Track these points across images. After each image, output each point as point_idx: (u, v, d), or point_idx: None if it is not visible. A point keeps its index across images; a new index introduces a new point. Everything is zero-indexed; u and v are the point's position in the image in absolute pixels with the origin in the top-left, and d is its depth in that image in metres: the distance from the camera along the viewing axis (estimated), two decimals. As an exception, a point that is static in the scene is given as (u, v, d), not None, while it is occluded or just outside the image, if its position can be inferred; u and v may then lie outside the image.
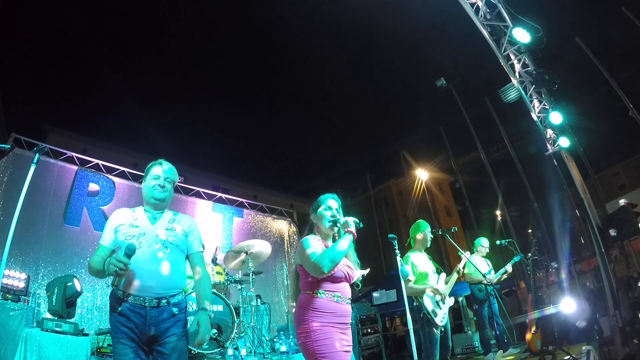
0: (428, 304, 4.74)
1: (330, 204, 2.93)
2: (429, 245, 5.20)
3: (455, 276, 5.10)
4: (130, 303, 2.44)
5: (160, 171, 2.86)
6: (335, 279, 2.63)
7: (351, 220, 2.71)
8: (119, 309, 2.42)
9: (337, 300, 2.60)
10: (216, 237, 10.52)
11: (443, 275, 5.07)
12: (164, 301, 2.51)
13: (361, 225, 2.72)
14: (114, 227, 2.65)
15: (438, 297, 4.83)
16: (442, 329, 4.76)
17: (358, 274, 2.84)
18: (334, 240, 2.83)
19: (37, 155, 3.89)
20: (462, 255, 5.32)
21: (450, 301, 4.95)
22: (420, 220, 5.41)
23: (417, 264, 4.99)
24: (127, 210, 2.78)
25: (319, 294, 2.58)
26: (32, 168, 3.85)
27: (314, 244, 2.68)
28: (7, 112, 19.17)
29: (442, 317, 4.75)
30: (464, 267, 5.39)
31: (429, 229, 5.25)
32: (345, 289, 2.68)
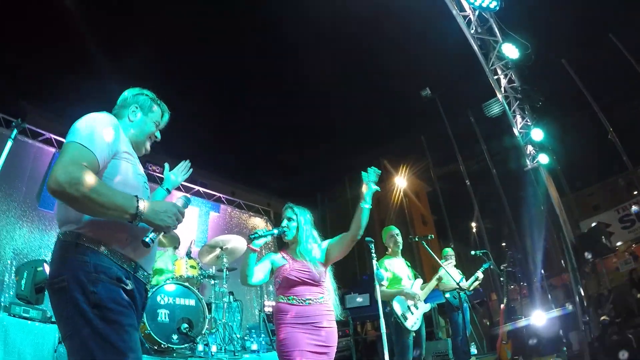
0: (397, 309, 4.78)
1: (285, 215, 3.20)
2: (399, 248, 5.23)
3: (433, 283, 5.14)
4: (137, 278, 1.80)
5: (162, 123, 2.22)
6: (289, 284, 2.89)
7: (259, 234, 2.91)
8: (129, 288, 1.71)
9: (293, 303, 2.83)
10: (191, 231, 10.40)
11: (419, 281, 5.11)
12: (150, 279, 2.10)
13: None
14: (114, 150, 1.82)
15: (410, 302, 4.85)
16: (414, 334, 4.78)
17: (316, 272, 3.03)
18: (293, 250, 3.10)
19: (15, 130, 3.80)
20: (443, 265, 5.41)
21: (424, 307, 4.98)
22: (388, 225, 5.46)
23: (390, 269, 5.04)
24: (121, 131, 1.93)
25: (279, 299, 2.91)
26: (9, 144, 3.75)
27: (266, 259, 3.07)
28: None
29: (413, 322, 4.77)
30: (435, 272, 5.45)
31: (394, 232, 5.27)
32: (303, 291, 2.88)
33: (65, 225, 1.75)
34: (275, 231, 3.05)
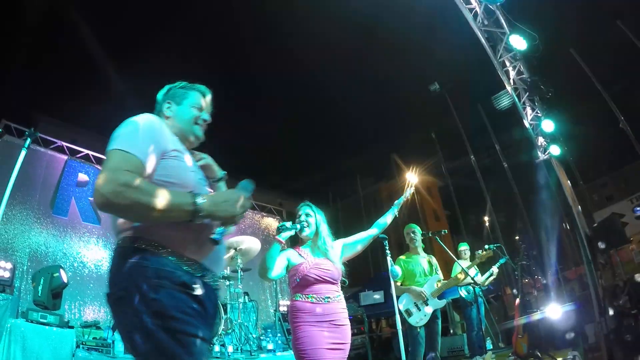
0: (402, 304, 4.81)
1: (302, 211, 3.17)
2: (416, 245, 5.24)
3: (451, 281, 5.13)
4: (205, 283, 1.59)
5: (205, 104, 1.99)
6: (307, 282, 2.87)
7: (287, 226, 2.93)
8: (196, 288, 1.52)
9: (312, 301, 2.82)
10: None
11: (435, 277, 5.09)
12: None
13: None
14: (160, 150, 1.63)
15: (416, 299, 4.85)
16: (424, 330, 4.79)
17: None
18: (310, 247, 3.09)
19: (29, 139, 3.84)
20: (480, 255, 5.44)
21: (437, 303, 4.96)
22: (409, 224, 5.47)
23: (405, 266, 5.07)
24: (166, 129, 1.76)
25: (296, 297, 2.88)
26: (23, 152, 3.80)
27: (282, 255, 2.98)
28: (-3, 98, 18.92)
29: (419, 319, 4.78)
30: (449, 268, 5.45)
31: (410, 230, 5.30)
32: (322, 289, 2.88)
33: (122, 232, 1.57)
34: (298, 226, 3.01)
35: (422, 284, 4.99)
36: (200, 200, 1.49)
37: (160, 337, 1.38)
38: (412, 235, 5.25)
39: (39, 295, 5.26)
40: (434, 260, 5.32)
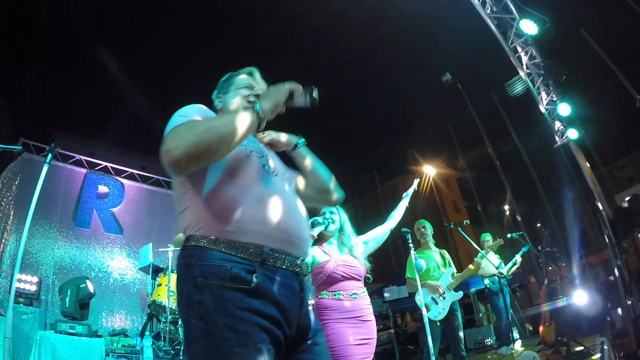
0: (420, 300, 4.80)
1: (323, 209, 3.11)
2: (427, 240, 5.24)
3: (466, 273, 5.10)
4: (276, 268, 1.38)
5: (255, 81, 1.86)
6: (334, 280, 2.87)
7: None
8: (255, 282, 1.30)
9: (339, 298, 2.82)
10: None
11: (449, 270, 5.09)
12: (308, 267, 1.60)
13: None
14: None
15: (433, 293, 4.84)
16: (442, 324, 4.79)
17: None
18: (334, 244, 3.07)
19: (50, 155, 3.91)
20: (480, 256, 5.40)
21: (454, 296, 4.96)
22: (419, 219, 5.48)
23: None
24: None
25: (322, 295, 2.87)
26: (45, 168, 3.87)
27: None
28: (14, 118, 19.36)
29: (437, 313, 4.78)
30: (472, 259, 5.42)
31: (419, 225, 5.31)
32: (348, 286, 2.88)
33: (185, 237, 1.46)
34: (327, 221, 3.00)
35: (437, 278, 4.99)
36: (257, 104, 1.46)
37: (202, 345, 1.25)
38: (423, 230, 5.27)
39: (67, 306, 5.37)
40: (446, 254, 5.33)
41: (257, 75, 1.86)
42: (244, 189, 1.43)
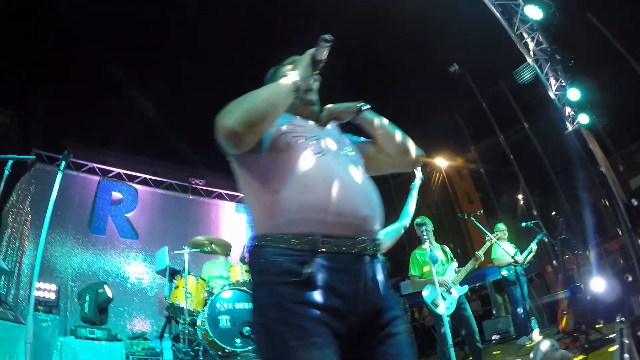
0: (427, 296, 4.82)
1: None
2: (427, 237, 5.22)
3: (469, 266, 5.11)
4: (331, 254, 1.32)
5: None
6: None
7: None
8: (306, 273, 1.27)
9: None
10: (242, 237, 10.61)
11: (453, 265, 5.12)
12: (379, 246, 1.47)
13: None
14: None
15: (440, 289, 4.85)
16: (452, 318, 4.82)
17: None
18: None
19: (63, 162, 3.97)
20: (488, 240, 5.38)
21: (460, 290, 5.00)
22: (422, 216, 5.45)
23: (421, 259, 5.12)
24: None
25: None
26: (59, 175, 3.93)
27: None
28: (25, 130, 19.66)
29: (446, 306, 4.79)
30: (488, 250, 5.41)
31: (418, 222, 5.28)
32: None
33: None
34: None
35: (441, 273, 5.02)
36: (288, 73, 1.53)
37: (262, 340, 1.31)
38: (419, 227, 5.27)
39: (86, 311, 5.45)
40: (447, 249, 5.36)
41: (296, 58, 1.80)
42: (288, 179, 1.41)
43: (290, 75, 1.51)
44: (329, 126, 1.76)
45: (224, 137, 1.37)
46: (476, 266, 5.19)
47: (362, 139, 1.85)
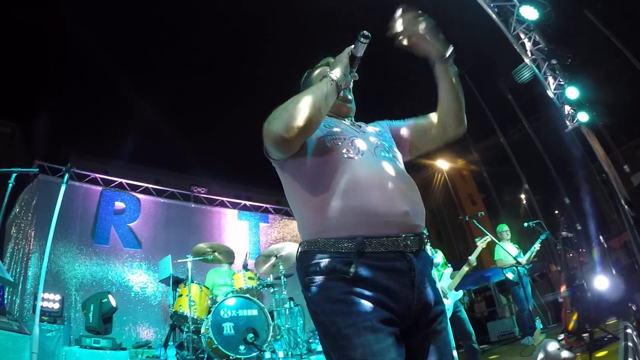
0: None
1: None
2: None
3: (464, 270, 5.14)
4: (375, 254, 1.36)
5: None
6: None
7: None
8: (353, 272, 1.32)
9: None
10: (244, 244, 10.63)
11: (448, 270, 5.15)
12: (424, 240, 1.49)
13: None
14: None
15: None
16: (450, 321, 4.83)
17: None
18: None
19: (67, 175, 4.00)
20: (480, 244, 5.40)
21: (455, 295, 5.03)
22: None
23: None
24: None
25: None
26: (63, 188, 3.96)
27: None
28: (27, 140, 19.76)
29: None
30: (492, 251, 5.42)
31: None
32: None
33: None
34: None
35: (437, 279, 5.04)
36: (329, 74, 1.52)
37: (322, 333, 1.36)
38: None
39: (91, 321, 5.47)
40: (441, 254, 5.40)
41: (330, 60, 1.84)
42: (328, 185, 1.45)
43: (331, 75, 1.51)
44: (362, 125, 1.77)
45: (272, 144, 1.45)
46: (469, 271, 5.21)
47: (401, 122, 1.88)
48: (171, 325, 6.06)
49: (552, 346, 4.12)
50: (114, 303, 5.85)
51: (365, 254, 1.34)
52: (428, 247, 1.56)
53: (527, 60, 8.11)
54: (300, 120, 1.40)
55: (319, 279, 1.37)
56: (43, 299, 5.54)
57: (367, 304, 1.28)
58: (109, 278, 8.24)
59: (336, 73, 1.52)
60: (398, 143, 1.80)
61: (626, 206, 7.69)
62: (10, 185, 3.90)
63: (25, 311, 6.71)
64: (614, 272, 7.43)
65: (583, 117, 8.07)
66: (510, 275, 6.90)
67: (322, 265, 1.37)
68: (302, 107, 1.41)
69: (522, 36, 7.98)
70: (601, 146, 8.48)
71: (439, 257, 5.26)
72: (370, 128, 1.77)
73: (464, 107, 1.75)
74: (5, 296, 6.53)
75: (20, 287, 6.96)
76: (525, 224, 7.18)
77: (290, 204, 1.59)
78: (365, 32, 1.51)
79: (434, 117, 1.79)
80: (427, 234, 1.52)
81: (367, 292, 1.30)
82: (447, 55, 1.64)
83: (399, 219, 1.41)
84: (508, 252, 5.95)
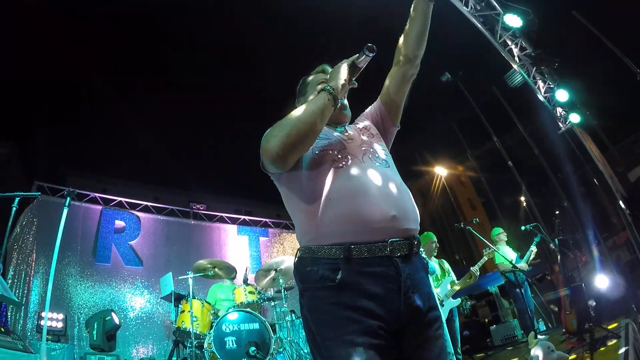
0: None
1: None
2: (435, 254, 5.42)
3: (464, 281, 5.22)
4: (362, 259, 1.39)
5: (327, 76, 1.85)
6: None
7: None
8: (339, 278, 1.36)
9: None
10: (244, 259, 10.66)
11: (447, 280, 5.23)
12: (415, 244, 1.49)
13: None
14: None
15: None
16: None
17: None
18: None
19: (68, 199, 4.07)
20: (486, 254, 5.47)
21: (451, 303, 5.12)
22: (427, 232, 5.60)
23: None
24: None
25: None
26: (65, 211, 4.03)
27: None
28: (25, 162, 19.81)
29: None
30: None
31: (432, 239, 5.44)
32: None
33: None
34: None
35: (435, 286, 5.15)
36: (325, 85, 1.57)
37: (309, 340, 1.40)
38: (435, 245, 5.47)
39: (95, 339, 5.52)
40: (445, 264, 5.49)
41: (329, 69, 1.87)
42: (318, 194, 1.49)
43: (329, 88, 1.55)
44: (351, 131, 1.78)
45: (269, 161, 1.50)
46: (472, 282, 5.28)
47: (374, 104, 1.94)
48: (174, 341, 6.08)
49: (543, 348, 4.14)
50: (117, 320, 5.90)
51: (352, 260, 1.38)
52: (421, 251, 1.57)
53: (515, 66, 8.21)
54: (295, 138, 1.46)
55: (310, 287, 1.43)
56: (47, 318, 5.58)
57: (351, 316, 1.32)
58: (111, 296, 8.28)
59: (334, 84, 1.57)
60: (380, 121, 1.89)
61: (623, 204, 7.75)
62: (14, 209, 3.97)
63: (29, 331, 6.73)
64: (615, 270, 7.45)
65: (575, 118, 8.16)
66: (508, 278, 6.94)
67: (312, 272, 1.41)
68: (298, 125, 1.47)
69: (509, 42, 8.08)
70: (596, 146, 8.56)
71: (444, 266, 5.37)
72: (357, 130, 1.80)
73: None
74: (9, 316, 6.56)
75: (23, 307, 7.00)
76: (523, 228, 7.23)
77: (289, 213, 1.65)
78: (372, 45, 1.56)
79: (393, 70, 1.86)
80: (418, 238, 1.54)
81: (352, 302, 1.34)
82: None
83: (386, 224, 1.42)
84: (506, 256, 5.98)
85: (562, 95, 8.03)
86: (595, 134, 10.71)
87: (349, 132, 1.76)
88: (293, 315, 7.42)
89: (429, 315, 1.43)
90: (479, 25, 7.82)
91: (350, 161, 1.57)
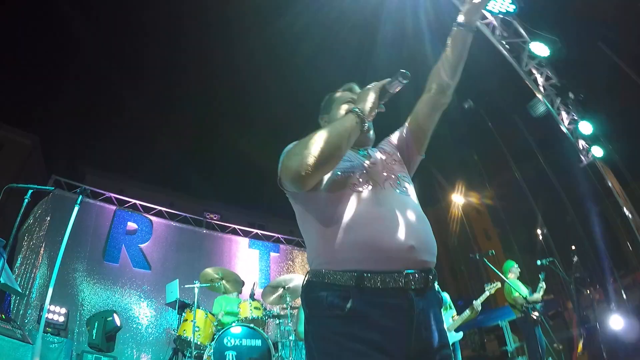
0: None
1: None
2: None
3: (466, 315, 5.14)
4: (374, 289, 1.33)
5: (354, 95, 1.83)
6: None
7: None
8: (349, 307, 1.31)
9: None
10: (253, 273, 10.62)
11: (450, 312, 5.14)
12: (431, 278, 1.43)
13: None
14: None
15: None
16: None
17: None
18: None
19: (80, 197, 4.11)
20: (488, 290, 5.40)
21: (453, 337, 5.03)
22: None
23: None
24: None
25: None
26: (76, 209, 4.06)
27: None
28: (46, 155, 20.21)
29: None
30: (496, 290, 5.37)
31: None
32: None
33: None
34: None
35: None
36: (354, 107, 1.51)
37: None
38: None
39: (94, 338, 5.49)
40: (447, 297, 5.39)
41: (356, 88, 1.85)
42: (336, 218, 1.44)
43: (357, 110, 1.49)
44: (374, 155, 1.73)
45: (290, 180, 1.42)
46: (473, 316, 5.19)
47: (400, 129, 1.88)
48: (174, 349, 6.03)
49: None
50: (118, 322, 5.87)
51: (364, 288, 1.32)
52: (436, 285, 1.50)
53: (539, 96, 8.08)
54: (319, 159, 1.38)
55: (317, 314, 1.38)
56: (49, 311, 5.58)
57: (358, 349, 1.25)
58: (115, 297, 8.28)
59: (363, 107, 1.51)
60: (405, 148, 1.82)
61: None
62: (26, 200, 4.01)
63: (29, 321, 6.74)
64: (631, 310, 7.18)
65: (597, 151, 7.98)
66: (519, 314, 6.76)
67: (321, 298, 1.36)
68: (323, 146, 1.39)
69: (535, 71, 7.97)
70: (617, 181, 8.35)
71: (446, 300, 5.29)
72: (380, 154, 1.75)
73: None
74: (12, 305, 6.58)
75: (25, 297, 7.02)
76: (539, 262, 7.04)
77: (302, 233, 1.59)
78: (406, 72, 1.52)
79: (424, 97, 1.79)
80: (435, 272, 1.48)
81: (360, 334, 1.27)
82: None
83: (403, 254, 1.37)
84: (520, 290, 5.85)
85: (586, 127, 7.87)
86: (617, 169, 10.50)
87: (371, 155, 1.71)
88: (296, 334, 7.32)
89: (440, 353, 1.35)
90: (505, 53, 7.74)
91: (370, 186, 1.52)
